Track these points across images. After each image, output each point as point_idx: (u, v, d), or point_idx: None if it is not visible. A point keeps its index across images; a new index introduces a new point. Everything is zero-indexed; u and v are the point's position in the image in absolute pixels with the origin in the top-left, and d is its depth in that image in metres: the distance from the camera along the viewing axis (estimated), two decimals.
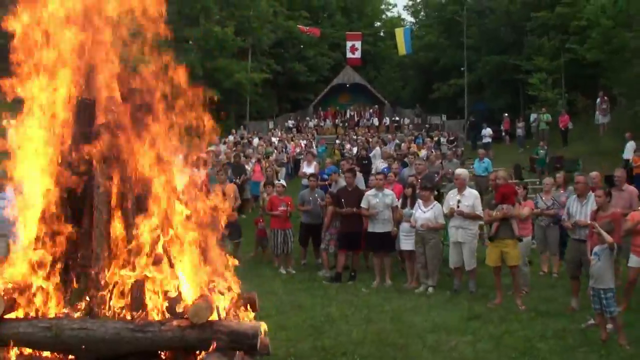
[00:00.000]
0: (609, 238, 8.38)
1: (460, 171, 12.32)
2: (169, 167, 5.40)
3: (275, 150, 26.44)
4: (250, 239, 15.53)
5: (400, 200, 12.69)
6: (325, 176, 16.22)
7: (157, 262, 4.87)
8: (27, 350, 4.88)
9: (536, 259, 13.80)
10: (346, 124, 46.92)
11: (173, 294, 4.84)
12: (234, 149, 23.80)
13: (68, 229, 4.97)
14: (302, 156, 23.37)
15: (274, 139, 32.60)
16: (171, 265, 4.94)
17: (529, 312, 10.05)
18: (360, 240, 12.85)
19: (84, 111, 5.00)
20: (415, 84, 58.76)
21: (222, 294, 5.03)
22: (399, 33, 48.80)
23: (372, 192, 12.81)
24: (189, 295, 4.87)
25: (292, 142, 30.32)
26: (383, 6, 69.40)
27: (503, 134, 36.96)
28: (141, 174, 5.09)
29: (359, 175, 15.20)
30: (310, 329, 9.17)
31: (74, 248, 5.00)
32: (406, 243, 12.30)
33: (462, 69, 45.71)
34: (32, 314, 4.86)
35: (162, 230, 5.00)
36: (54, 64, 5.32)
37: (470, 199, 11.50)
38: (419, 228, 11.74)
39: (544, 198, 13.34)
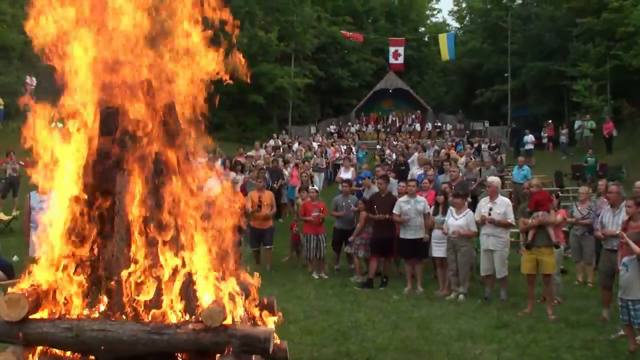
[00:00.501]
0: (637, 248, 8.30)
1: (492, 179, 12.28)
2: (193, 174, 5.54)
3: (315, 155, 26.54)
4: (287, 243, 15.70)
5: (433, 207, 12.69)
6: (361, 181, 16.29)
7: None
8: (51, 350, 5.09)
9: (572, 269, 13.68)
10: (388, 130, 46.81)
11: (190, 297, 4.99)
12: (273, 153, 24.02)
13: (92, 234, 5.16)
14: (342, 161, 23.44)
15: (314, 144, 32.75)
16: (189, 270, 5.08)
17: (559, 322, 9.96)
18: (392, 246, 12.92)
19: (108, 120, 5.18)
20: (459, 90, 58.37)
21: (237, 298, 5.14)
22: (442, 38, 48.63)
23: (404, 198, 12.84)
24: (205, 299, 5.01)
25: (332, 147, 30.41)
26: (428, 12, 69.12)
27: (546, 140, 36.46)
28: (163, 179, 5.25)
29: (393, 181, 15.21)
30: (337, 334, 9.23)
31: (97, 253, 5.19)
32: (438, 250, 12.31)
33: (505, 74, 45.29)
34: (56, 314, 5.06)
35: (180, 235, 5.16)
36: (82, 70, 5.51)
37: (502, 206, 11.47)
38: (450, 235, 11.74)
39: (579, 207, 13.21)
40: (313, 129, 45.62)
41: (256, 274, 5.74)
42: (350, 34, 49.45)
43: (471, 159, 23.46)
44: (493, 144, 33.99)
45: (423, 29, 66.44)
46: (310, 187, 14.72)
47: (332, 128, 45.82)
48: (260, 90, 44.39)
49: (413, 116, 48.86)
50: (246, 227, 15.13)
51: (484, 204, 11.77)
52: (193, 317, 4.97)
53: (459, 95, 57.31)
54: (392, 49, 49.90)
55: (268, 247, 14.32)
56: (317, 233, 13.73)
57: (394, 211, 12.69)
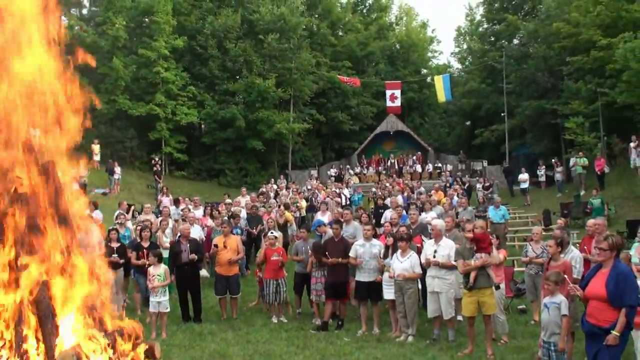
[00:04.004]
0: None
1: (436, 222, 12.54)
2: (70, 223, 5.87)
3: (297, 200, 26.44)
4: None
5: (383, 250, 12.90)
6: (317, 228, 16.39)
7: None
8: None
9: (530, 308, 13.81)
10: (388, 172, 46.99)
11: (53, 343, 5.28)
12: (258, 199, 24.36)
13: None
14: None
15: (308, 187, 33.19)
16: (54, 316, 5.38)
17: None
18: (346, 289, 13.14)
19: None
20: (460, 130, 58.72)
21: (101, 341, 5.41)
22: (438, 80, 49.13)
23: (359, 242, 13.09)
24: (67, 344, 5.30)
25: (323, 192, 30.66)
26: (430, 54, 69.74)
27: (543, 178, 36.51)
28: (36, 228, 5.59)
29: (358, 225, 15.41)
30: None
31: None
32: (388, 292, 12.48)
33: (502, 114, 45.61)
34: None
35: (50, 283, 5.47)
36: None
37: (446, 249, 11.67)
38: (396, 278, 11.94)
39: (533, 246, 13.36)
40: (314, 173, 45.93)
41: (132, 320, 5.99)
42: (348, 78, 49.97)
43: (453, 199, 23.58)
44: (487, 184, 34.12)
45: (425, 70, 66.87)
46: (269, 234, 14.96)
47: (332, 171, 46.07)
48: (259, 136, 45.09)
49: (414, 157, 49.04)
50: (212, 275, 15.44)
51: (428, 246, 12.00)
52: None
53: (461, 136, 57.64)
54: (388, 92, 50.23)
55: (234, 296, 14.42)
56: (277, 277, 13.92)
57: (350, 254, 12.93)
